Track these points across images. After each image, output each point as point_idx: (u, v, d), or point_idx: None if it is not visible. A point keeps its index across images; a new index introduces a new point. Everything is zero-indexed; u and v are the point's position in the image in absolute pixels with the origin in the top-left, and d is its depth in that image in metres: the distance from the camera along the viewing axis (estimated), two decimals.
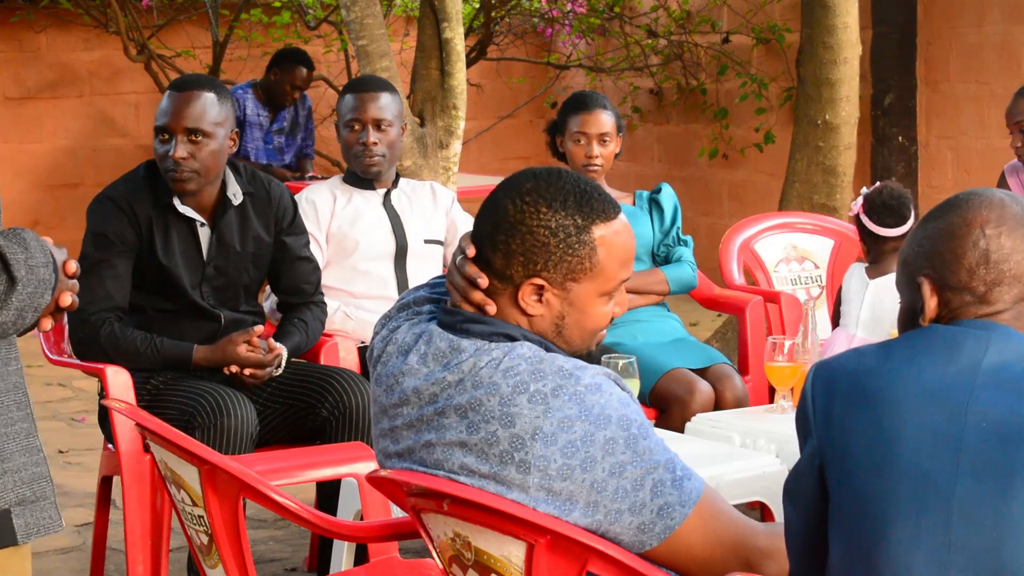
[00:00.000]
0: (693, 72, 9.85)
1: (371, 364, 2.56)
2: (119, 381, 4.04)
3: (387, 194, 4.85)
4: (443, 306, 2.52)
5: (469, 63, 8.08)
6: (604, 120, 4.95)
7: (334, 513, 3.92)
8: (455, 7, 5.93)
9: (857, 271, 4.71)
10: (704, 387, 4.63)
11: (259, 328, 4.22)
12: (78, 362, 4.21)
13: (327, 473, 4.02)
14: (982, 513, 2.13)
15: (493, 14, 9.52)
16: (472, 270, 2.45)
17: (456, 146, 6.00)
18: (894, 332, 4.27)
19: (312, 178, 8.60)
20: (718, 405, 4.65)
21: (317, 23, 9.65)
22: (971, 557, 2.13)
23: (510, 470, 2.34)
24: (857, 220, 4.65)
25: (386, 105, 4.78)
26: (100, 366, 4.07)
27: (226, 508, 2.84)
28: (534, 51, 10.62)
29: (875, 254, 4.64)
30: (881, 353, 2.25)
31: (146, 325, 4.19)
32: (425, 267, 4.83)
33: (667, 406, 4.63)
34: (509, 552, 2.35)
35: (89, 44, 9.71)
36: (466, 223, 4.88)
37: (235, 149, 4.24)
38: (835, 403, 2.24)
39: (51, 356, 4.35)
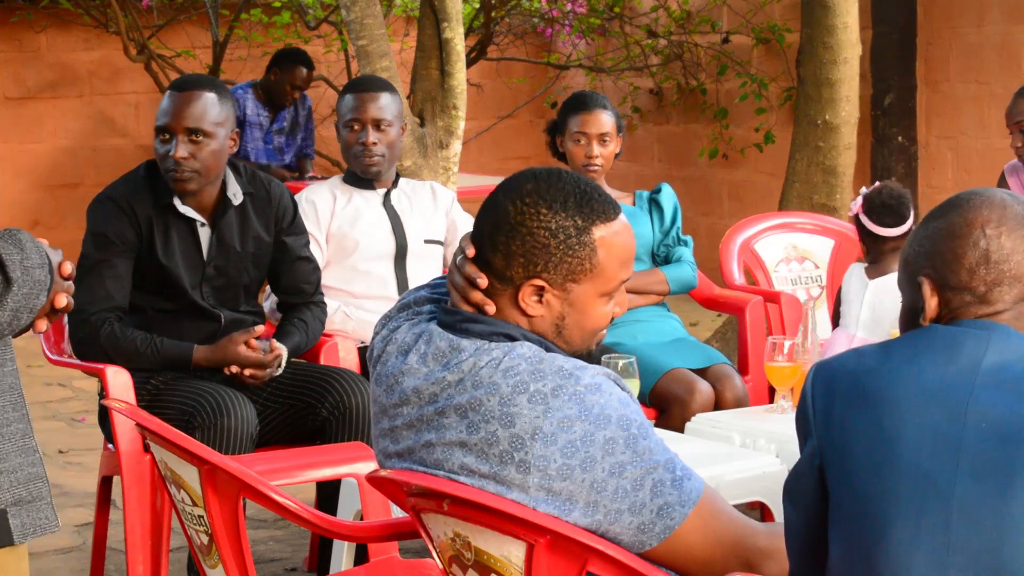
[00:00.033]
0: (693, 72, 9.85)
1: (371, 364, 2.56)
2: (119, 381, 4.04)
3: (387, 194, 4.85)
4: (443, 306, 2.52)
5: (469, 63, 8.09)
6: (604, 120, 4.95)
7: (334, 513, 3.92)
8: (455, 7, 5.93)
9: (857, 271, 4.71)
10: (704, 387, 4.63)
11: (259, 328, 4.22)
12: (78, 362, 4.21)
13: (327, 473, 4.02)
14: (982, 513, 2.13)
15: (493, 14, 9.52)
16: (471, 270, 2.45)
17: (456, 146, 6.00)
18: (894, 332, 4.28)
19: (312, 178, 8.60)
20: (718, 405, 4.65)
21: (317, 23, 9.65)
22: (971, 557, 2.13)
23: (510, 470, 2.34)
24: (856, 220, 4.65)
25: (386, 105, 4.78)
26: (100, 366, 4.07)
27: (226, 508, 2.84)
28: (534, 51, 10.62)
29: (875, 254, 4.64)
30: (881, 353, 2.25)
31: (146, 325, 4.19)
32: (425, 267, 4.83)
33: (667, 406, 4.63)
34: (509, 552, 2.35)
35: (89, 44, 9.71)
36: (466, 223, 4.88)
37: (235, 149, 4.24)
38: (835, 403, 2.24)
39: (51, 356, 4.35)
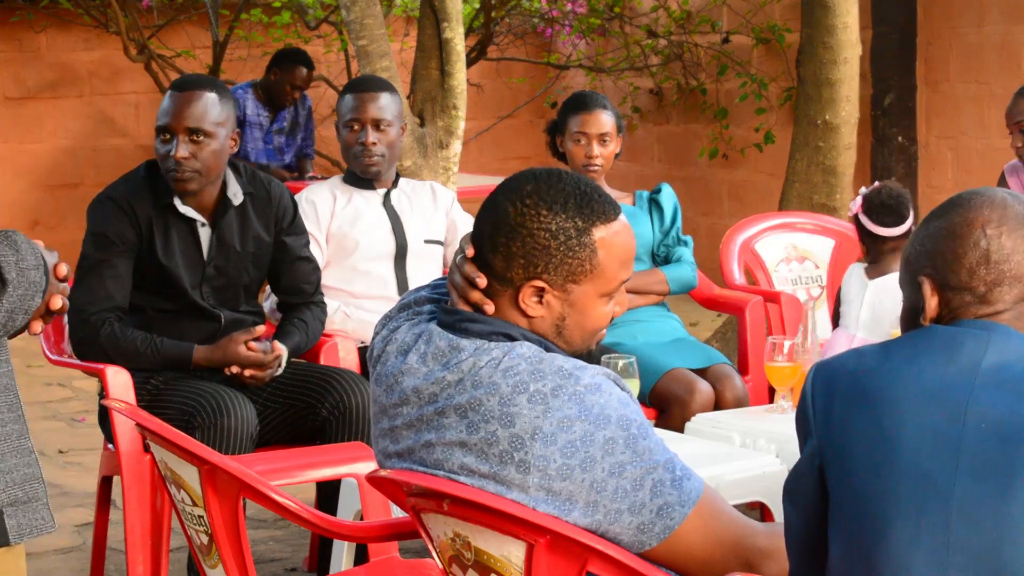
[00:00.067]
0: (693, 72, 9.85)
1: (371, 364, 2.56)
2: (119, 381, 4.04)
3: (387, 194, 4.85)
4: (443, 306, 2.52)
5: (469, 63, 8.09)
6: (604, 120, 4.95)
7: (334, 513, 3.92)
8: (455, 7, 5.93)
9: (856, 271, 4.71)
10: (704, 387, 4.64)
11: (260, 328, 4.22)
12: (78, 362, 4.21)
13: (327, 473, 4.02)
14: (982, 513, 2.13)
15: (493, 14, 9.52)
16: (470, 269, 2.45)
17: (456, 146, 6.00)
18: (894, 332, 4.28)
19: (312, 178, 8.60)
20: (718, 405, 4.65)
21: (317, 23, 9.65)
22: (971, 557, 2.13)
23: (510, 470, 2.34)
24: (856, 220, 4.65)
25: (386, 105, 4.78)
26: (100, 366, 4.08)
27: (226, 508, 2.84)
28: (534, 51, 10.62)
29: (874, 254, 4.64)
30: (881, 353, 2.25)
31: (146, 325, 4.19)
32: (425, 267, 4.83)
33: (667, 406, 4.63)
34: (509, 552, 2.35)
35: (89, 44, 9.71)
36: (466, 223, 4.88)
37: (236, 149, 4.24)
38: (835, 403, 2.24)
39: (51, 356, 4.35)
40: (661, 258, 5.06)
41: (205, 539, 2.91)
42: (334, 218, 4.79)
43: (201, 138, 4.13)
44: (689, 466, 2.42)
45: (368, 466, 3.75)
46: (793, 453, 2.34)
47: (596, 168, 4.93)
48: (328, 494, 4.23)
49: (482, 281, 2.44)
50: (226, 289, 4.27)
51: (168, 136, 4.14)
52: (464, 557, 2.42)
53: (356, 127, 4.77)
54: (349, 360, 4.52)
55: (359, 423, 4.15)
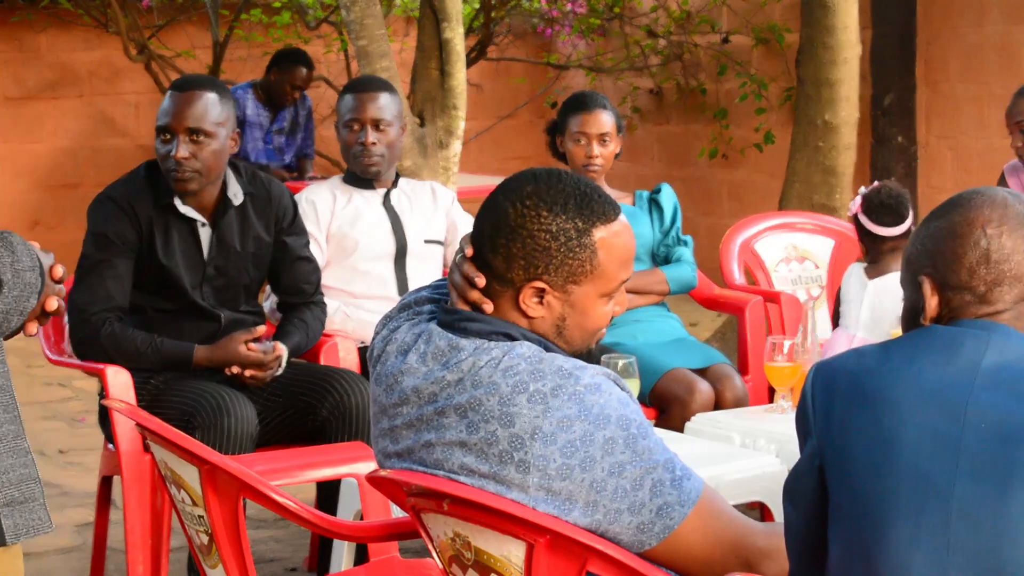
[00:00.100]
0: (693, 72, 9.85)
1: (371, 364, 2.56)
2: (119, 381, 4.04)
3: (387, 194, 4.86)
4: (443, 305, 2.52)
5: (469, 63, 8.09)
6: (604, 120, 4.95)
7: (334, 513, 3.92)
8: (455, 7, 5.93)
9: (856, 271, 4.71)
10: (704, 387, 4.64)
11: (260, 328, 4.22)
12: (78, 362, 4.22)
13: (327, 473, 4.02)
14: (981, 513, 2.13)
15: (493, 14, 9.52)
16: (469, 269, 2.46)
17: (456, 146, 6.01)
18: (894, 332, 4.28)
19: (312, 178, 8.60)
20: (718, 405, 4.65)
21: (317, 23, 9.65)
22: (970, 557, 2.13)
23: (509, 470, 2.34)
24: (855, 220, 4.65)
25: (385, 105, 4.78)
26: (100, 366, 4.08)
27: (226, 508, 2.84)
28: (534, 51, 10.62)
29: (874, 254, 4.64)
30: (881, 353, 2.26)
31: (146, 325, 4.20)
32: (425, 267, 4.83)
33: (667, 406, 4.63)
34: (509, 552, 2.35)
35: (89, 44, 9.71)
36: (466, 223, 4.88)
37: (236, 150, 4.24)
38: (835, 403, 2.25)
39: (51, 356, 4.35)
40: (661, 258, 5.06)
41: (205, 539, 2.92)
42: (334, 218, 4.79)
43: (201, 138, 4.13)
44: (689, 466, 2.42)
45: (368, 466, 3.75)
46: (793, 453, 2.34)
47: (596, 168, 4.93)
48: (328, 494, 4.23)
49: (481, 280, 2.44)
50: (226, 289, 4.28)
51: (168, 136, 4.15)
52: (464, 557, 2.42)
53: (356, 127, 4.78)
54: (349, 360, 4.52)
55: (359, 423, 4.15)
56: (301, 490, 4.64)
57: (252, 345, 4.17)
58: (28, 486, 2.28)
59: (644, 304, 4.98)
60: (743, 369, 5.01)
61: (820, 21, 6.75)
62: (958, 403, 2.17)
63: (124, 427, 3.98)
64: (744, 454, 3.91)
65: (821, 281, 5.59)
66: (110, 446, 4.21)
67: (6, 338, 2.30)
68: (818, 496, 2.26)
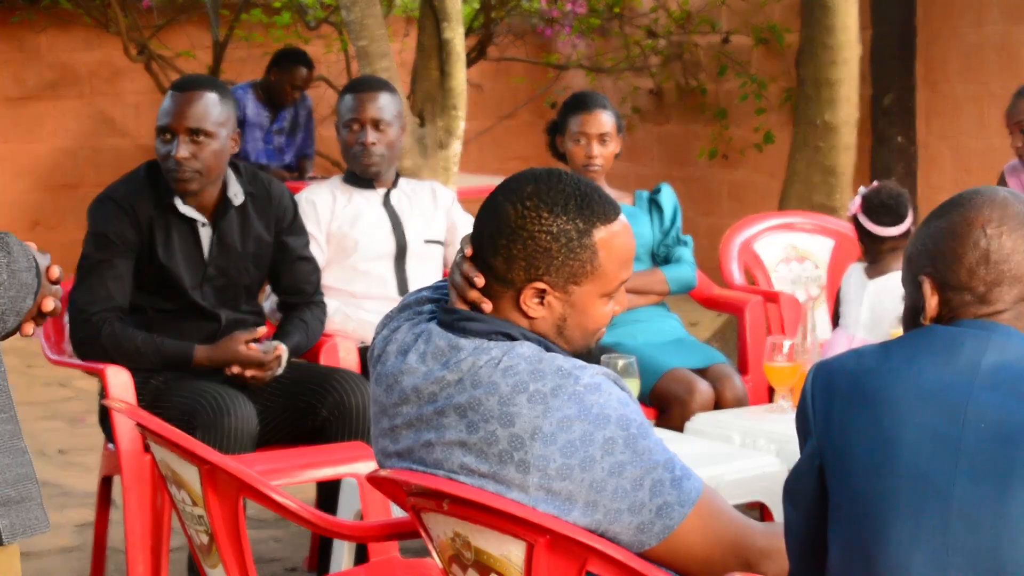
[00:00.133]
0: (693, 72, 9.86)
1: (371, 364, 2.56)
2: (119, 381, 4.04)
3: (387, 194, 4.86)
4: (443, 305, 2.53)
5: (469, 63, 8.09)
6: (604, 120, 4.95)
7: (334, 513, 3.92)
8: (455, 7, 5.93)
9: (856, 271, 4.71)
10: (704, 387, 4.64)
11: (261, 329, 4.23)
12: (78, 362, 4.22)
13: (327, 473, 4.02)
14: (980, 514, 2.13)
15: (493, 14, 9.52)
16: (468, 268, 2.46)
17: (456, 146, 6.01)
18: (894, 332, 4.28)
19: (312, 178, 8.61)
20: (718, 405, 4.65)
21: (317, 23, 9.65)
22: (970, 558, 2.14)
23: (509, 470, 2.34)
24: (855, 220, 4.65)
25: (385, 105, 4.78)
26: (100, 366, 4.08)
27: (226, 508, 2.84)
28: (534, 51, 10.62)
29: (873, 254, 4.64)
30: (880, 353, 2.26)
31: (146, 325, 4.20)
32: (425, 267, 4.83)
33: (667, 406, 4.64)
34: (509, 551, 2.35)
35: (89, 44, 9.71)
36: (466, 223, 4.88)
37: (237, 150, 4.24)
38: (835, 403, 2.25)
39: (51, 356, 4.35)
40: (661, 258, 5.07)
41: (205, 539, 2.92)
42: (334, 218, 4.79)
43: (202, 138, 4.13)
44: (689, 466, 2.42)
45: (368, 466, 3.75)
46: (793, 453, 2.34)
47: (596, 168, 4.94)
48: (328, 494, 4.23)
49: (480, 280, 2.45)
50: (226, 289, 4.28)
51: (169, 136, 4.15)
52: (464, 557, 2.42)
53: (356, 127, 4.78)
54: (349, 360, 4.52)
55: (359, 423, 4.15)
56: (301, 490, 4.64)
57: (252, 345, 4.17)
58: (25, 485, 2.28)
59: (644, 304, 4.98)
60: (743, 369, 5.02)
61: (820, 21, 6.76)
62: (958, 403, 2.17)
63: (124, 427, 3.99)
64: (744, 454, 3.91)
65: (821, 281, 5.59)
66: (110, 446, 4.22)
67: (2, 339, 2.30)
68: (818, 496, 2.26)
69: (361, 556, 3.96)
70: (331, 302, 4.68)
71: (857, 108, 6.91)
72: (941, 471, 2.15)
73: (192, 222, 4.22)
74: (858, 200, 4.63)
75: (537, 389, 2.35)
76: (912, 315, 2.31)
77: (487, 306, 2.45)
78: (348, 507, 3.85)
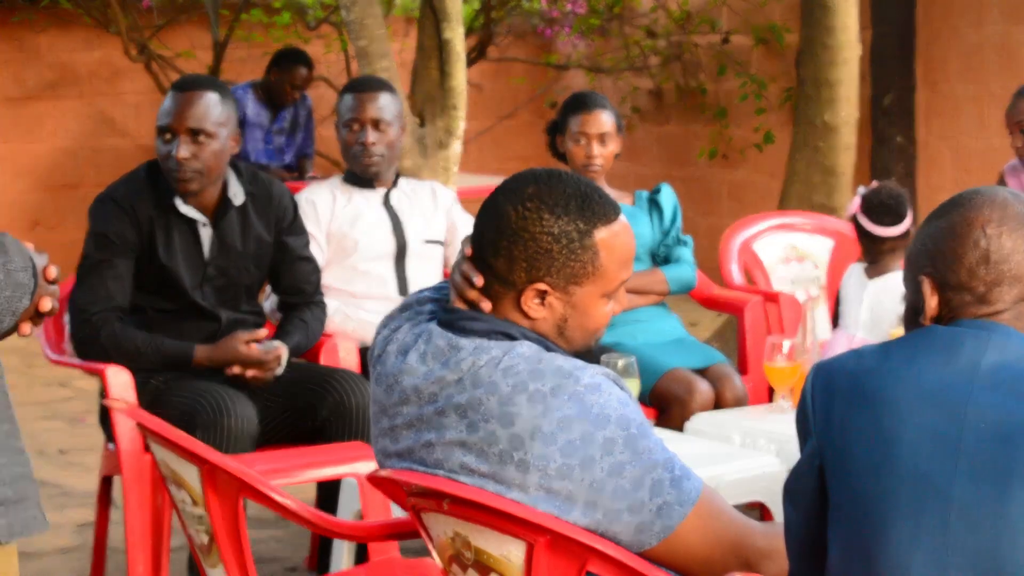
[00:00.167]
0: (693, 72, 9.86)
1: (372, 364, 2.57)
2: (119, 381, 4.04)
3: (387, 194, 4.86)
4: (443, 304, 2.53)
5: (469, 63, 8.09)
6: (604, 120, 4.95)
7: (334, 513, 3.92)
8: (455, 7, 5.93)
9: (855, 272, 4.71)
10: (704, 387, 4.64)
11: (263, 332, 4.23)
12: (78, 362, 4.22)
13: (327, 473, 4.02)
14: (980, 514, 2.13)
15: (493, 14, 9.53)
16: (467, 267, 2.46)
17: (456, 146, 6.01)
18: (893, 332, 4.29)
19: (312, 178, 8.61)
20: (718, 405, 4.66)
21: (317, 23, 9.65)
22: (969, 558, 2.14)
23: (509, 469, 2.34)
24: (854, 220, 4.65)
25: (385, 105, 4.79)
26: (101, 366, 4.08)
27: (226, 508, 2.85)
28: (534, 51, 10.63)
29: (873, 254, 4.65)
30: (880, 353, 2.26)
31: (147, 325, 4.20)
32: (425, 267, 4.83)
33: (667, 406, 4.64)
34: (509, 551, 2.36)
35: (89, 44, 9.72)
36: (466, 223, 4.88)
37: (237, 150, 4.25)
38: (835, 404, 2.25)
39: (51, 356, 4.35)
40: (661, 258, 5.07)
41: (205, 539, 2.92)
42: (334, 218, 4.79)
43: (202, 138, 4.13)
44: (689, 466, 2.43)
45: (368, 466, 3.76)
46: (793, 453, 2.35)
47: (596, 168, 4.94)
48: (328, 494, 4.24)
49: (479, 280, 2.45)
50: (227, 289, 4.28)
51: (169, 136, 4.15)
52: (464, 557, 2.42)
53: (355, 127, 4.78)
54: (349, 360, 4.52)
55: (359, 423, 4.16)
56: (301, 490, 4.64)
57: (252, 344, 4.17)
58: (22, 485, 2.28)
59: (644, 304, 4.98)
60: (743, 369, 5.02)
61: (820, 21, 6.76)
62: (958, 403, 2.17)
63: (124, 427, 3.99)
64: (744, 454, 3.91)
65: (820, 281, 5.59)
66: (110, 446, 4.22)
67: (0, 339, 2.30)
68: (818, 496, 2.26)
69: (361, 556, 3.97)
70: (331, 302, 4.68)
71: (857, 108, 6.92)
72: (941, 471, 2.15)
73: (192, 222, 4.22)
74: (857, 200, 4.63)
75: (537, 389, 2.35)
76: (913, 315, 2.31)
77: (486, 305, 2.45)
78: (348, 507, 3.85)
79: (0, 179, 9.50)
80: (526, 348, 2.40)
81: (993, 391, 2.16)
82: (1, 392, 2.33)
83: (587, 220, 2.42)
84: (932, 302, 2.26)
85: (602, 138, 4.94)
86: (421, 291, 2.61)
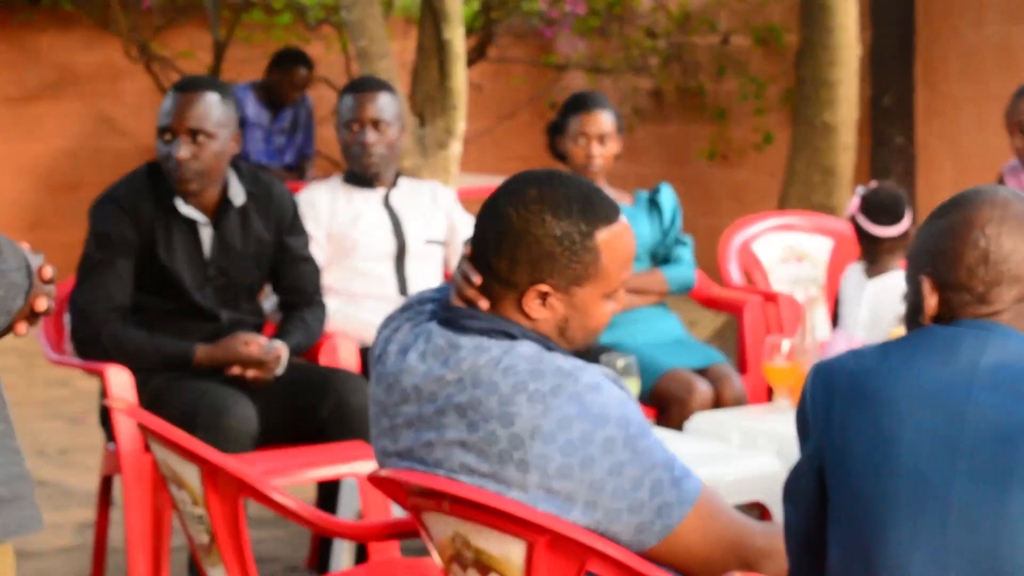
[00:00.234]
0: (692, 73, 9.86)
1: (372, 363, 2.57)
2: (120, 381, 4.05)
3: (387, 194, 4.86)
4: (443, 303, 2.53)
5: (469, 63, 8.09)
6: (604, 120, 4.95)
7: (334, 513, 3.93)
8: (455, 7, 5.93)
9: (855, 272, 4.71)
10: (703, 387, 4.64)
11: (263, 339, 4.23)
12: (78, 362, 4.22)
13: (327, 472, 4.03)
14: (979, 514, 2.14)
15: (493, 15, 9.53)
16: (467, 267, 2.47)
17: (456, 146, 6.01)
18: (893, 332, 4.29)
19: (312, 178, 8.61)
20: (717, 404, 4.66)
21: (317, 24, 9.65)
22: (969, 558, 2.14)
23: (509, 469, 2.35)
24: (853, 220, 4.66)
25: (384, 105, 4.79)
26: (101, 366, 4.08)
27: (227, 507, 2.85)
28: (534, 52, 10.63)
29: (872, 254, 4.65)
30: (880, 354, 2.26)
31: (147, 325, 4.20)
32: (425, 267, 4.83)
33: (666, 406, 4.64)
34: (509, 551, 2.36)
35: (90, 45, 9.71)
36: (467, 224, 4.89)
37: (238, 150, 4.25)
38: (834, 404, 2.25)
39: (51, 356, 4.36)
40: (661, 258, 5.07)
41: (206, 538, 2.92)
42: (334, 218, 4.79)
43: (202, 139, 4.14)
44: (688, 466, 2.43)
45: (368, 466, 3.76)
46: (793, 453, 2.35)
47: (596, 168, 4.94)
48: (328, 494, 4.24)
49: (476, 279, 2.45)
50: (227, 289, 4.28)
51: (169, 136, 4.15)
52: (464, 556, 2.43)
53: (355, 127, 4.78)
54: (349, 360, 4.52)
55: (359, 423, 4.16)
56: (301, 490, 4.65)
57: (252, 344, 4.17)
58: (17, 484, 2.28)
59: (644, 304, 4.98)
60: (742, 369, 5.02)
61: (820, 21, 6.76)
62: (957, 403, 2.17)
63: (125, 427, 3.99)
64: (744, 454, 3.91)
65: (820, 281, 5.59)
66: (111, 446, 4.22)
67: None
68: (818, 496, 2.27)
69: (361, 556, 3.97)
70: (331, 302, 4.68)
71: (856, 108, 6.92)
72: (940, 471, 2.16)
73: (193, 223, 4.22)
74: (856, 200, 4.63)
75: (537, 389, 2.35)
76: (914, 314, 2.32)
77: (483, 303, 2.46)
78: (348, 507, 3.86)
79: (0, 179, 9.51)
80: (526, 347, 2.41)
81: (992, 391, 2.17)
82: None
83: (589, 221, 2.42)
84: (932, 301, 2.26)
85: (602, 138, 4.94)
86: (423, 292, 2.62)
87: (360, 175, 4.83)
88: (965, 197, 2.28)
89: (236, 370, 4.16)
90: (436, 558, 2.52)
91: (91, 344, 4.15)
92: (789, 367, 4.14)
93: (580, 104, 5.00)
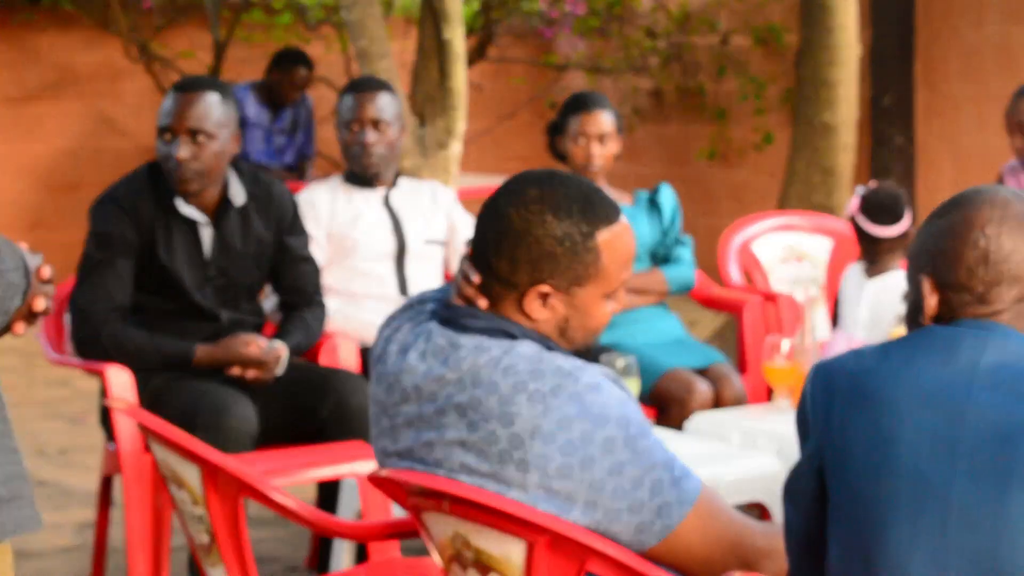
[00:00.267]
0: (692, 73, 9.86)
1: (373, 363, 2.57)
2: (120, 381, 4.05)
3: (387, 194, 4.86)
4: (444, 302, 2.53)
5: (469, 63, 8.10)
6: (604, 120, 4.95)
7: (334, 513, 3.93)
8: (455, 7, 5.93)
9: (854, 272, 4.71)
10: (703, 386, 4.64)
11: (264, 340, 4.23)
12: (79, 362, 4.22)
13: (327, 472, 4.03)
14: (979, 514, 2.14)
15: (493, 15, 9.53)
16: (467, 266, 2.47)
17: (456, 146, 6.01)
18: (893, 332, 4.29)
19: (312, 178, 8.61)
20: (717, 404, 4.66)
21: (317, 24, 9.65)
22: (968, 558, 2.14)
23: (509, 469, 2.35)
24: (853, 220, 4.66)
25: (384, 105, 4.79)
26: (101, 366, 4.08)
27: (227, 508, 2.85)
28: (534, 52, 10.63)
29: (872, 254, 4.65)
30: (880, 354, 2.26)
31: (147, 325, 4.20)
32: (425, 267, 4.83)
33: (666, 406, 4.64)
34: (509, 551, 2.36)
35: (90, 45, 9.72)
36: (467, 224, 4.89)
37: (238, 150, 4.25)
38: (834, 404, 2.25)
39: (51, 356, 4.36)
40: (660, 258, 5.07)
41: (206, 538, 2.93)
42: (334, 218, 4.79)
43: (202, 139, 4.14)
44: (688, 466, 2.43)
45: (368, 466, 3.76)
46: (793, 453, 2.35)
47: (596, 168, 4.94)
48: (328, 494, 4.24)
49: (475, 278, 2.46)
50: (227, 289, 4.28)
51: (169, 136, 4.15)
52: (464, 556, 2.43)
53: (355, 127, 4.79)
54: (349, 360, 4.52)
55: (359, 423, 4.16)
56: (301, 490, 4.65)
57: (253, 345, 4.17)
58: (16, 484, 2.29)
59: (644, 304, 4.98)
60: (742, 369, 5.02)
61: (819, 21, 6.76)
62: (957, 403, 2.17)
63: (125, 427, 3.99)
64: (743, 454, 3.91)
65: (820, 281, 5.59)
66: (111, 446, 4.22)
67: None
68: (818, 496, 2.27)
69: (361, 556, 3.97)
70: (331, 302, 4.68)
71: (856, 108, 6.92)
72: (940, 471, 2.16)
73: (193, 223, 4.22)
74: (856, 200, 4.63)
75: (537, 388, 2.35)
76: (915, 314, 2.32)
77: (482, 302, 2.46)
78: (348, 507, 3.86)
79: (0, 179, 9.51)
80: (526, 347, 2.41)
81: (992, 391, 2.17)
82: None
83: (590, 222, 2.43)
84: (932, 301, 2.26)
85: (602, 138, 4.94)
86: (424, 292, 2.62)
87: (360, 175, 4.83)
88: (965, 197, 2.28)
89: (236, 370, 4.16)
90: (436, 558, 2.52)
91: (91, 344, 4.15)
92: (789, 367, 4.14)
93: (580, 104, 5.00)
